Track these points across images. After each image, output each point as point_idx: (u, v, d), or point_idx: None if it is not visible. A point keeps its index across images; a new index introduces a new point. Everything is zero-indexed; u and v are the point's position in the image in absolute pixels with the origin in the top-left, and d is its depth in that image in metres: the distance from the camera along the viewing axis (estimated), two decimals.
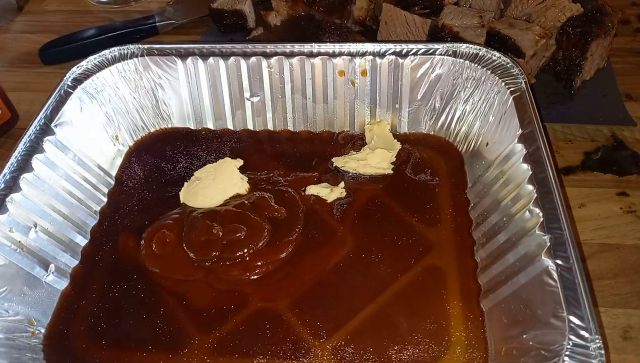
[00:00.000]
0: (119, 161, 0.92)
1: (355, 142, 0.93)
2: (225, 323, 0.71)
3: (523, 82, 0.80)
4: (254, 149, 0.93)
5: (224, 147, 0.94)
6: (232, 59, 0.91)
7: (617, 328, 0.71)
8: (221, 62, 0.91)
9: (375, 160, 0.87)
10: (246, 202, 0.80)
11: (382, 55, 0.88)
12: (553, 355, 0.55)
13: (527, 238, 0.65)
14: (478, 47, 0.86)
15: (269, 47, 0.90)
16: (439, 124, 0.92)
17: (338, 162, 0.89)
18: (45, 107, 0.83)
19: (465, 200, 0.82)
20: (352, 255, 0.77)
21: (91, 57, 0.90)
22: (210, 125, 0.97)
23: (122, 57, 0.91)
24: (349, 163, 0.88)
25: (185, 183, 0.85)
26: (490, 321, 0.67)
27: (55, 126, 0.82)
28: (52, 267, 0.75)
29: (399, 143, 0.90)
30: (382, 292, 0.72)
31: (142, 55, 0.91)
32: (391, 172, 0.87)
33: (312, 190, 0.85)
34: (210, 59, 0.91)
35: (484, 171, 0.81)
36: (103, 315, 0.73)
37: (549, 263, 0.60)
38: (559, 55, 1.02)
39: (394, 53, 0.88)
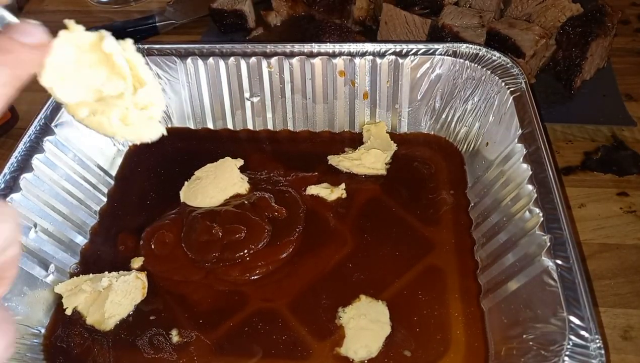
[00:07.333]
0: (118, 161, 0.92)
1: (353, 141, 0.93)
2: (225, 324, 0.71)
3: (523, 82, 0.80)
4: (254, 148, 0.93)
5: (224, 147, 0.94)
6: (232, 59, 0.91)
7: (617, 328, 0.71)
8: (221, 62, 0.91)
9: (369, 160, 0.87)
10: (246, 202, 0.80)
11: (382, 55, 0.88)
12: (553, 355, 0.55)
13: (527, 238, 0.65)
14: (478, 47, 0.86)
15: (269, 47, 0.90)
16: (439, 123, 0.92)
17: (333, 160, 0.89)
18: (45, 107, 0.83)
19: (465, 200, 0.82)
20: (353, 256, 0.77)
21: None
22: (210, 125, 0.97)
23: None
24: (343, 162, 0.88)
25: (186, 183, 0.85)
26: (490, 321, 0.67)
27: (55, 126, 0.82)
28: (52, 267, 0.75)
29: (395, 145, 0.90)
30: (383, 292, 0.72)
31: (142, 55, 0.91)
32: (385, 173, 0.87)
33: (313, 190, 0.85)
34: (210, 59, 0.91)
35: (484, 171, 0.81)
36: None
37: (549, 263, 0.60)
38: (559, 55, 1.02)
39: (394, 53, 0.88)
